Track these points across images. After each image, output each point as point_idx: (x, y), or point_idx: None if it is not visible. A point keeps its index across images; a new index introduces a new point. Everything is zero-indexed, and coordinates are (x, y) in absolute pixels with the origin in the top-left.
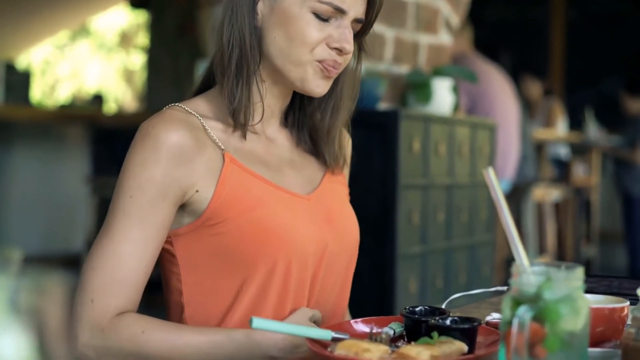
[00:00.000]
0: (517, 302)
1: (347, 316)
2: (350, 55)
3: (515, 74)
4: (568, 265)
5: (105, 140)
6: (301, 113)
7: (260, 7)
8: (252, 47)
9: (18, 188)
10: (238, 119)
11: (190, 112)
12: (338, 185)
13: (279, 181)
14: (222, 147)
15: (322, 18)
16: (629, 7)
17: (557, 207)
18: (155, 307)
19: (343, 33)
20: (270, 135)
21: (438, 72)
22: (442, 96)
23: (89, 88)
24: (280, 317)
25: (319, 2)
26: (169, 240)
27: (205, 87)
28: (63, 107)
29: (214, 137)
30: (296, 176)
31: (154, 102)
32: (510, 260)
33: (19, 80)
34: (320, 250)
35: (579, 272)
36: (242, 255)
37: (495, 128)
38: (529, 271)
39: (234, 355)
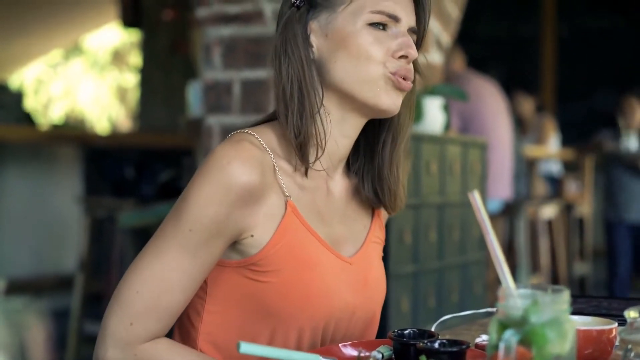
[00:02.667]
0: (503, 326)
1: None
2: (413, 67)
3: (507, 91)
4: (554, 288)
5: (98, 160)
6: (365, 158)
7: (313, 39)
8: (312, 79)
9: (9, 208)
10: (305, 153)
11: (265, 148)
12: (377, 245)
13: (328, 238)
14: (287, 193)
15: (379, 28)
16: (619, 22)
17: (550, 224)
18: None
19: (404, 40)
20: (332, 186)
21: (429, 91)
22: (433, 115)
23: (82, 107)
24: None
25: (372, 12)
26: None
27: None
28: (55, 127)
29: (281, 181)
30: (344, 233)
31: (146, 120)
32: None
33: (12, 100)
34: (348, 315)
35: (565, 295)
36: (276, 309)
37: (486, 146)
38: (515, 294)
39: None
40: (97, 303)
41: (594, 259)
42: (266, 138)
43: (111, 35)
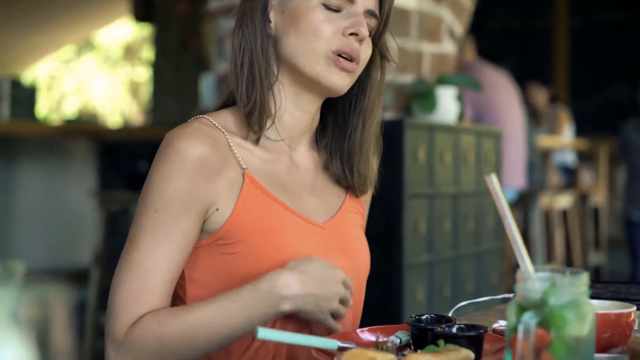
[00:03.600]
0: (522, 309)
1: None
2: (369, 49)
3: (520, 82)
4: (573, 270)
5: (111, 154)
6: (334, 136)
7: (272, 15)
8: (266, 52)
9: (24, 203)
10: (252, 121)
11: (217, 126)
12: (355, 215)
13: (296, 207)
14: (244, 166)
15: (333, 9)
16: (632, 15)
17: (565, 214)
18: None
19: (356, 20)
20: (296, 159)
21: (442, 80)
22: (447, 105)
23: (95, 102)
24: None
25: None
26: None
27: (232, 102)
28: (69, 122)
29: (237, 155)
30: (315, 203)
31: (159, 114)
32: (517, 267)
33: (25, 95)
34: None
35: (584, 278)
36: (249, 278)
37: (500, 136)
38: (533, 277)
39: (247, 310)
40: None
41: (609, 249)
42: (219, 119)
43: (123, 30)
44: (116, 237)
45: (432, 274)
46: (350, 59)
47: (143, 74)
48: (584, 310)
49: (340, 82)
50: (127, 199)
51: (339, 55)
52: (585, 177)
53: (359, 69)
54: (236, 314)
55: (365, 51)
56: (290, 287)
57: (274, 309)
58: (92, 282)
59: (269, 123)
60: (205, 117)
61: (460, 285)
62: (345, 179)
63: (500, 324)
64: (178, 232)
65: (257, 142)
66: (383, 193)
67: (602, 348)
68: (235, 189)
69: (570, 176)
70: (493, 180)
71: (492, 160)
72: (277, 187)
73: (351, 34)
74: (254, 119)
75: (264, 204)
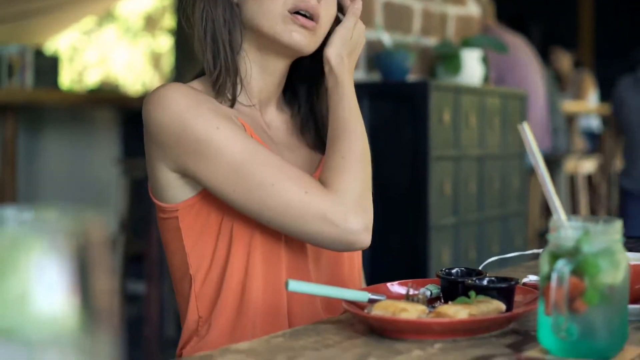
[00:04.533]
0: (555, 257)
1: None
2: (330, 9)
3: (545, 47)
4: (606, 218)
5: (135, 122)
6: (307, 107)
7: None
8: (226, 20)
9: (49, 171)
10: (220, 88)
11: (195, 89)
12: None
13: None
14: (236, 115)
15: None
16: None
17: (590, 179)
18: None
19: None
20: (267, 120)
21: (467, 43)
22: (472, 67)
23: (116, 74)
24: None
25: None
26: (174, 215)
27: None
28: (92, 91)
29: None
30: (295, 160)
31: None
32: (543, 232)
33: (48, 65)
34: None
35: (618, 226)
36: (247, 225)
37: (525, 98)
38: (567, 225)
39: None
40: (138, 263)
41: None
42: (194, 84)
43: (143, 0)
44: (140, 204)
45: (457, 236)
46: (310, 17)
47: (164, 44)
48: (617, 257)
49: (301, 39)
50: None
51: (297, 12)
52: (610, 142)
53: (321, 28)
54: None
55: (326, 10)
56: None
57: None
58: (117, 249)
59: (238, 89)
60: (182, 83)
61: (485, 248)
62: (317, 141)
63: (531, 279)
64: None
65: (232, 107)
66: (409, 155)
67: (634, 299)
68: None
69: (595, 141)
70: (525, 129)
71: (517, 122)
72: (265, 138)
73: None
74: (222, 87)
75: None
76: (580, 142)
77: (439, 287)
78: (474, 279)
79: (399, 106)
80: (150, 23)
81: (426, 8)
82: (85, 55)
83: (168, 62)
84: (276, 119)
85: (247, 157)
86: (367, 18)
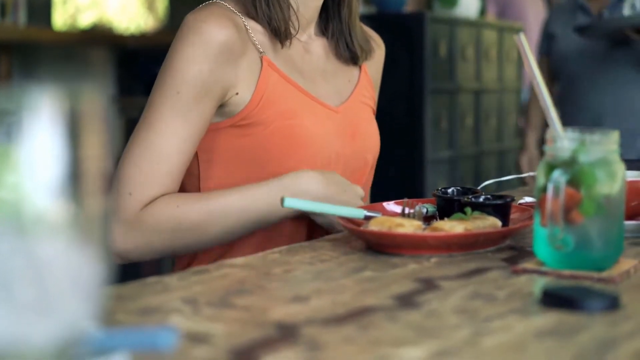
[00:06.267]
0: (551, 168)
1: None
2: None
3: None
4: (603, 130)
5: (129, 61)
6: (336, 21)
7: None
8: None
9: None
10: (279, 29)
11: (234, 11)
12: (365, 104)
13: (312, 90)
14: (261, 50)
15: None
16: None
17: None
18: None
19: None
20: (306, 45)
21: None
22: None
23: (110, 16)
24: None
25: None
26: None
27: None
28: (85, 31)
29: (254, 39)
30: (327, 87)
31: (176, 27)
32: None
33: (40, 3)
34: (341, 164)
35: (614, 136)
36: (266, 158)
37: (523, 31)
38: (563, 136)
39: (270, 199)
40: None
41: None
42: (234, 5)
43: None
44: None
45: (454, 169)
46: None
47: None
48: (614, 168)
49: None
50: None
51: None
52: None
53: None
54: (259, 199)
55: None
56: (314, 184)
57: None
58: (113, 188)
59: (295, 23)
60: (222, 2)
61: (482, 181)
62: (351, 56)
63: (527, 200)
64: (197, 115)
65: (282, 44)
66: (404, 88)
67: (630, 216)
68: (254, 73)
69: None
70: (522, 40)
71: (514, 56)
72: (293, 72)
73: None
74: (282, 26)
75: (281, 87)
76: None
77: (435, 206)
78: (470, 196)
79: (395, 38)
80: None
81: None
82: None
83: (162, 4)
84: (313, 44)
85: (151, 127)
86: None
